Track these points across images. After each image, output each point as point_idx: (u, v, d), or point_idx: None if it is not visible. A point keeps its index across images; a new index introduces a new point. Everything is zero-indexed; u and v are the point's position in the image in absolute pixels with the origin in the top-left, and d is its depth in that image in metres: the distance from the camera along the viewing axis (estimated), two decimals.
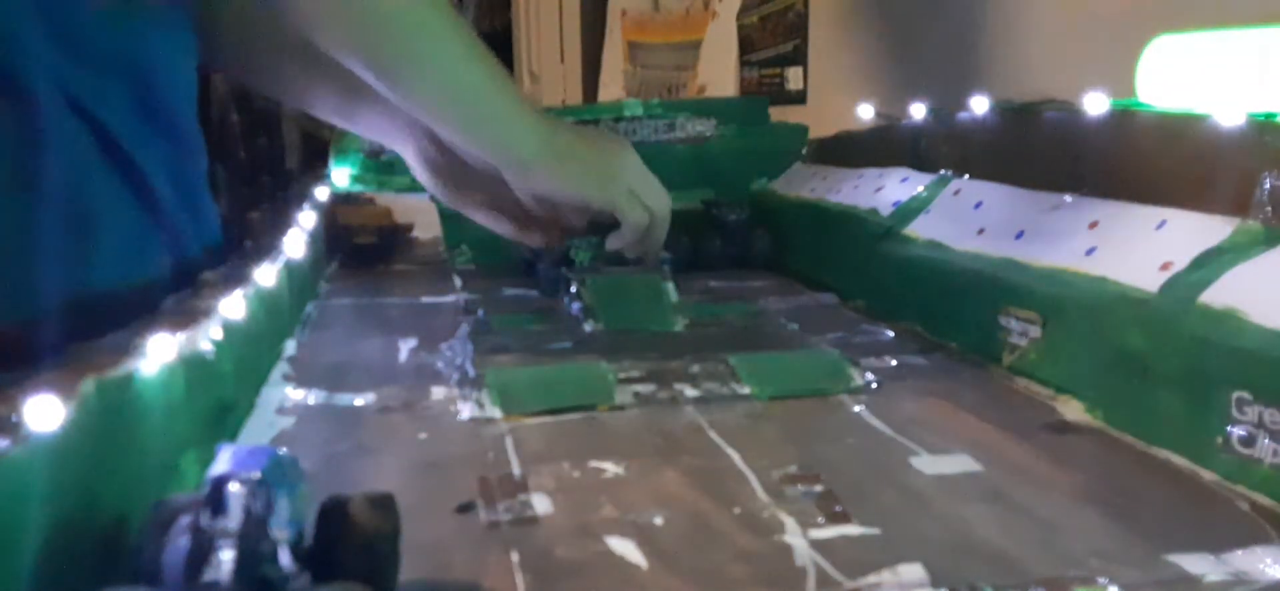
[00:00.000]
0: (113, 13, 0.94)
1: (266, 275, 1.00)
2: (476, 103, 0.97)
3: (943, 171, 1.27)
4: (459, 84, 0.94)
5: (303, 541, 0.51)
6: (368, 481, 0.66)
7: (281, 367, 1.03)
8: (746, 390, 0.92)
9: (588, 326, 1.18)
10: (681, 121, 1.83)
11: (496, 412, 0.86)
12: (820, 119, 1.87)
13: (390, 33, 0.93)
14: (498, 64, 0.98)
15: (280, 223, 1.29)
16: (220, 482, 0.46)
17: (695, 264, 1.55)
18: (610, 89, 3.74)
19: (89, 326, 0.62)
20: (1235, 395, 0.67)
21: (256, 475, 0.47)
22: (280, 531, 0.49)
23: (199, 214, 1.10)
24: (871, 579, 0.56)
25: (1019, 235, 1.02)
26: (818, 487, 0.69)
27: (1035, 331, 0.92)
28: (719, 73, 2.84)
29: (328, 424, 0.86)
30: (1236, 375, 0.68)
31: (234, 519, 0.46)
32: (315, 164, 2.13)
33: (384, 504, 0.54)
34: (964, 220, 1.13)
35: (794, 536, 0.62)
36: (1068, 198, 1.01)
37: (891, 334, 1.14)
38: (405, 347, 1.11)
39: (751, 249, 1.60)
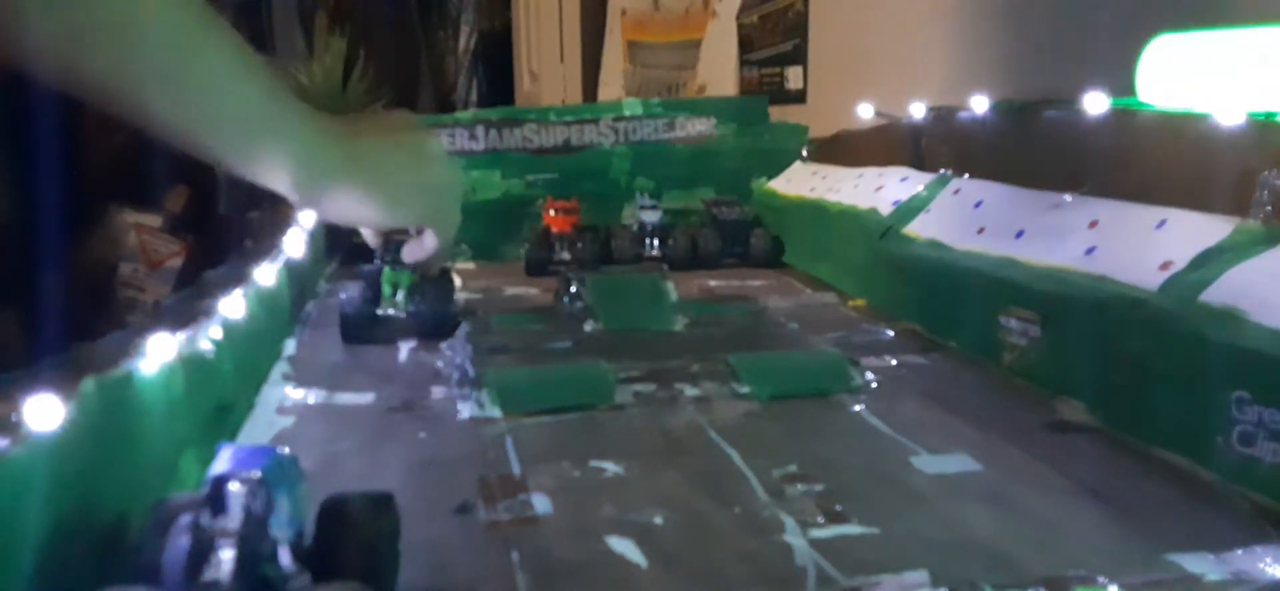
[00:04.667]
0: None
1: (266, 275, 1.00)
2: (248, 124, 0.71)
3: (943, 171, 1.27)
4: (224, 105, 0.71)
5: (303, 541, 0.51)
6: (368, 481, 0.66)
7: (281, 367, 1.03)
8: (746, 390, 0.92)
9: (588, 326, 1.18)
10: (681, 121, 1.83)
11: (496, 412, 0.86)
12: (820, 118, 1.87)
13: (127, 42, 0.63)
14: (270, 75, 0.72)
15: (280, 222, 1.29)
16: (220, 482, 0.47)
17: (695, 263, 1.55)
18: (610, 89, 3.74)
19: None
20: (1235, 395, 0.67)
21: (256, 475, 0.47)
22: (280, 531, 0.49)
23: None
24: (871, 578, 0.56)
25: (1019, 235, 1.02)
26: (818, 487, 0.69)
27: (1035, 331, 0.92)
28: (719, 72, 2.84)
29: (328, 423, 0.86)
30: (1236, 375, 0.68)
31: (234, 518, 0.46)
32: None
33: (384, 503, 0.54)
34: (964, 220, 1.13)
35: (794, 536, 0.62)
36: (1068, 197, 1.01)
37: (891, 334, 1.14)
38: (405, 347, 1.11)
39: (751, 248, 1.60)
